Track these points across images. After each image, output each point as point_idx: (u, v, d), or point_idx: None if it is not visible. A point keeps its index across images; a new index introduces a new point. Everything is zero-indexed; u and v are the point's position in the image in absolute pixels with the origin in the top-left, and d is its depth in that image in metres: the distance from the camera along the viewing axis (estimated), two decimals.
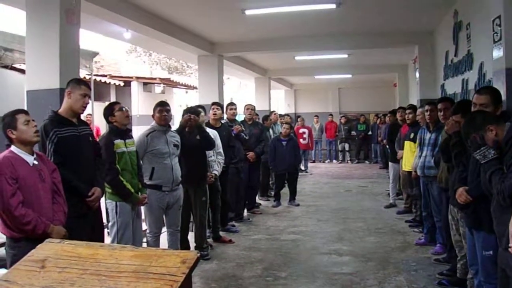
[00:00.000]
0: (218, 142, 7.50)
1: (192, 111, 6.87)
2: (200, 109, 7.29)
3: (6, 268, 5.25)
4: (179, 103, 23.25)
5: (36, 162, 3.89)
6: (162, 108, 6.06)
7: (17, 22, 9.29)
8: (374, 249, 7.12)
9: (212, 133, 7.36)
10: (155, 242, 5.99)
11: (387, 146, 11.08)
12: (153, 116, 6.14)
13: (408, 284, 5.60)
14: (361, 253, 6.94)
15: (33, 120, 3.94)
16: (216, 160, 7.45)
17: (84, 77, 9.47)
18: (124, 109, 5.44)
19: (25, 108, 5.30)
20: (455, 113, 5.09)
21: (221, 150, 7.54)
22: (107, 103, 15.52)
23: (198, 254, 2.30)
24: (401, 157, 8.95)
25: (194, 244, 6.94)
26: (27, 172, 3.77)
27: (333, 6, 8.86)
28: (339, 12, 9.39)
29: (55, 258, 2.40)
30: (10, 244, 3.79)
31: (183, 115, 6.84)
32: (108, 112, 5.40)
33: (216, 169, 7.41)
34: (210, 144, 6.99)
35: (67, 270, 2.30)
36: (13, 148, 3.85)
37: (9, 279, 2.31)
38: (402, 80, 17.99)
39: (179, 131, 6.66)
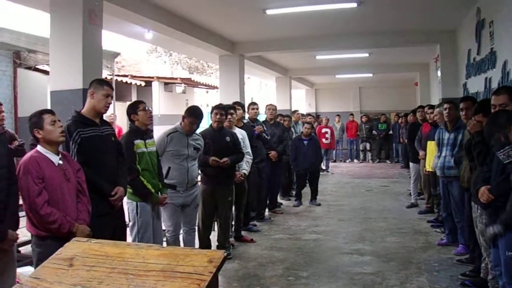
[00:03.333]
0: (247, 142, 7.55)
1: (221, 108, 6.91)
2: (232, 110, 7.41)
3: (31, 265, 5.36)
4: (200, 103, 23.30)
5: (61, 162, 3.93)
6: (195, 120, 6.03)
7: (41, 24, 9.44)
8: (395, 249, 7.08)
9: (241, 132, 7.39)
10: (174, 242, 5.99)
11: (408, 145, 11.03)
12: (183, 118, 6.11)
13: (430, 284, 5.56)
14: (383, 253, 6.90)
15: (59, 121, 3.98)
16: (245, 159, 7.45)
17: (106, 77, 9.57)
18: (147, 109, 5.46)
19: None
20: (476, 112, 5.07)
21: (249, 149, 7.57)
22: (128, 103, 15.64)
23: (225, 254, 2.31)
24: (423, 157, 8.91)
25: (216, 243, 6.97)
26: (52, 172, 3.81)
27: (355, 5, 8.86)
28: (360, 11, 9.37)
29: (83, 257, 2.44)
30: (36, 242, 3.84)
31: (211, 112, 6.87)
32: (132, 111, 5.42)
33: (245, 168, 7.46)
34: (239, 160, 7.12)
35: (95, 268, 2.33)
36: (39, 148, 3.90)
37: (38, 276, 2.35)
38: (424, 79, 17.84)
39: (209, 131, 6.72)
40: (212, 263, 2.20)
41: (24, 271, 5.22)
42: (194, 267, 2.22)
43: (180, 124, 6.10)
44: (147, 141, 5.38)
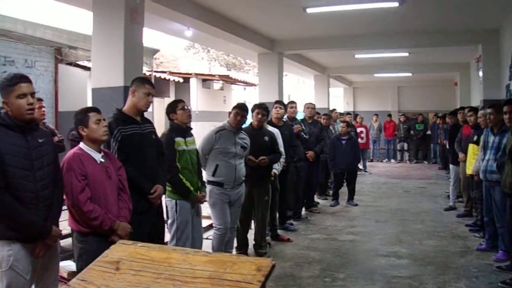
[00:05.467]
0: (280, 141, 7.47)
1: (263, 107, 6.92)
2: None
3: (70, 259, 5.46)
4: (237, 100, 23.40)
5: (103, 160, 3.98)
6: (239, 111, 6.11)
7: (81, 20, 9.58)
8: (433, 253, 6.99)
9: (275, 131, 7.37)
10: (219, 241, 6.02)
11: (448, 147, 10.87)
12: (229, 114, 6.21)
13: None
14: (420, 256, 6.82)
15: (103, 120, 4.03)
16: None
17: (144, 74, 9.69)
18: (186, 108, 5.48)
19: (90, 105, 5.45)
20: None
21: (282, 149, 7.49)
22: (166, 99, 15.71)
23: (273, 262, 2.29)
24: (463, 160, 8.78)
25: (253, 242, 7.00)
26: (94, 169, 3.87)
27: (396, 4, 8.79)
28: (402, 10, 9.29)
29: (129, 261, 2.45)
30: (78, 238, 3.90)
31: (252, 111, 6.87)
32: (171, 109, 5.46)
33: (276, 167, 7.39)
34: (276, 160, 7.13)
35: (141, 273, 2.34)
36: (82, 145, 3.95)
37: (85, 279, 2.38)
38: (464, 79, 17.57)
39: (249, 129, 6.71)
40: (261, 272, 2.18)
41: (66, 265, 5.34)
42: (242, 275, 2.20)
43: (227, 121, 6.16)
44: (187, 139, 5.41)
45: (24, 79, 3.49)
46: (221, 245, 6.02)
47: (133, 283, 2.28)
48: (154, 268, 2.35)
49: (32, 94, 3.50)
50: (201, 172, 5.68)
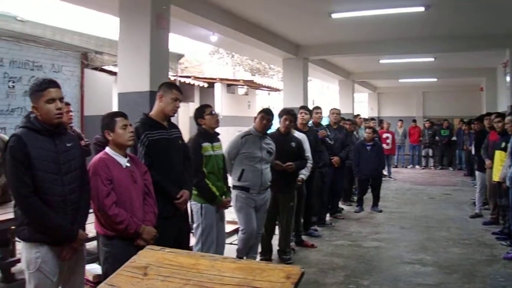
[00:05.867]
0: (307, 146, 7.44)
1: (291, 114, 6.92)
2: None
3: (94, 262, 5.49)
4: (262, 105, 23.44)
5: (128, 164, 3.99)
6: (265, 115, 6.12)
7: (107, 25, 9.70)
8: (458, 261, 6.90)
9: (301, 136, 7.36)
10: (244, 244, 6.03)
11: (473, 154, 10.75)
12: (255, 119, 6.24)
13: None
14: (445, 264, 6.74)
15: (130, 125, 4.05)
16: None
17: (169, 78, 9.77)
18: (214, 113, 5.51)
19: (116, 110, 5.49)
20: None
21: (309, 154, 7.46)
22: (191, 104, 15.76)
23: (303, 270, 2.27)
24: (490, 166, 8.67)
25: (277, 248, 6.99)
26: (120, 174, 3.88)
27: (422, 9, 8.76)
28: (428, 15, 9.24)
29: (157, 266, 2.44)
30: (104, 241, 3.92)
31: (280, 116, 6.88)
32: (198, 114, 5.47)
33: (304, 173, 7.35)
34: (303, 166, 7.10)
35: (169, 279, 2.32)
36: (107, 149, 3.98)
37: (113, 284, 2.37)
38: (490, 85, 17.37)
39: (275, 134, 6.72)
40: (290, 279, 2.16)
41: (91, 268, 5.38)
42: (271, 283, 2.18)
43: (253, 126, 6.18)
44: (214, 144, 5.43)
45: (53, 84, 3.53)
46: (246, 248, 6.05)
47: None
48: (182, 274, 2.34)
49: (61, 99, 3.54)
50: (226, 177, 5.71)
